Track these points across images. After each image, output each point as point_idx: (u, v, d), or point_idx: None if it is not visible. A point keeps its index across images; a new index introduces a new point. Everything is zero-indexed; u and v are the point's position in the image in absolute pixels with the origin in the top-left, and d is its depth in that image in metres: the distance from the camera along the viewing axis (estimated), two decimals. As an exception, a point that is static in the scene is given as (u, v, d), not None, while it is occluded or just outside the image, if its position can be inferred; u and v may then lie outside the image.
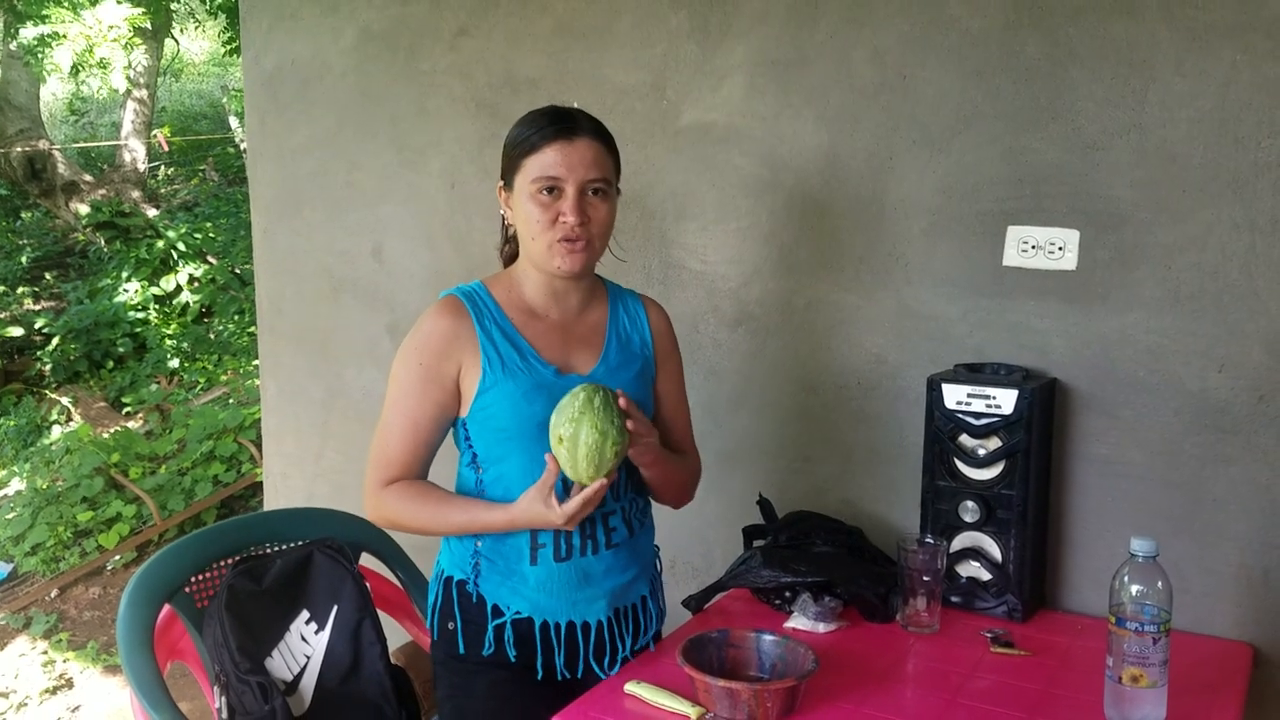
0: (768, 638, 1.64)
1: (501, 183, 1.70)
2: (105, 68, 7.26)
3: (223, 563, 1.99)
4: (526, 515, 1.60)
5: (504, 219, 1.74)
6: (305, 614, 1.98)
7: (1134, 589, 1.48)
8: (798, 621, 1.87)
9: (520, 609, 1.68)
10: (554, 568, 1.67)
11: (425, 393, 1.66)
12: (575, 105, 2.37)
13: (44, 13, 7.34)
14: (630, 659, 1.73)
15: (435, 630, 1.75)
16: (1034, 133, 1.93)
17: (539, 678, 1.71)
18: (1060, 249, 1.92)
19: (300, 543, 2.05)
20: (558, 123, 1.63)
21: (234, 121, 11.91)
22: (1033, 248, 1.94)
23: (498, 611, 1.69)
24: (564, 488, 1.59)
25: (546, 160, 1.61)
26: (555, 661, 1.70)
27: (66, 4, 7.61)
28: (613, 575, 1.72)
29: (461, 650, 1.71)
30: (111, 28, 7.09)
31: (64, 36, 7.08)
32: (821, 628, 1.85)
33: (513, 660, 1.69)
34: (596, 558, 1.69)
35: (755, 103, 2.21)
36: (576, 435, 1.52)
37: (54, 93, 13.69)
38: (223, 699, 1.86)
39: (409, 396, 1.67)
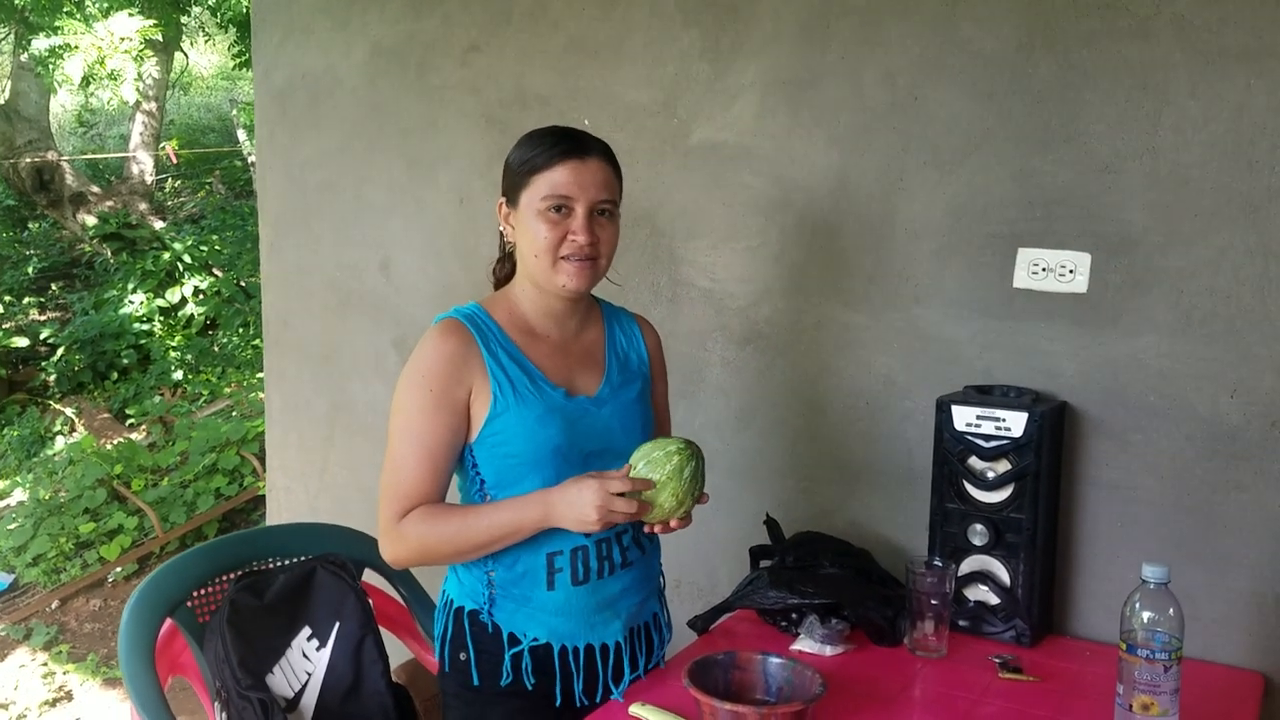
0: (774, 660, 1.62)
1: (504, 199, 1.68)
2: (116, 79, 7.28)
3: (225, 577, 1.98)
4: (561, 492, 1.55)
5: (503, 236, 1.72)
6: (307, 630, 1.97)
7: (1145, 615, 1.47)
8: (804, 644, 1.85)
9: (538, 635, 1.65)
10: (572, 591, 1.65)
11: (437, 419, 1.61)
12: (585, 123, 2.39)
13: (56, 24, 7.37)
14: (643, 677, 1.72)
15: (446, 662, 1.70)
16: (1046, 155, 1.92)
17: (556, 704, 1.67)
18: (1071, 271, 1.91)
19: (303, 558, 2.04)
20: (568, 142, 1.62)
21: (242, 135, 11.95)
22: (1043, 270, 1.93)
23: (514, 640, 1.65)
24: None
25: (557, 179, 1.60)
26: (574, 687, 1.67)
27: (79, 15, 7.64)
28: (629, 595, 1.71)
29: (476, 682, 1.66)
30: (123, 39, 7.11)
31: (75, 48, 7.10)
32: (828, 650, 1.83)
33: (530, 689, 1.65)
34: (613, 578, 1.68)
35: (766, 122, 2.21)
36: (656, 493, 1.56)
37: (63, 104, 13.75)
38: (223, 715, 1.84)
39: (420, 424, 1.61)
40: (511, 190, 1.66)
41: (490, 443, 1.63)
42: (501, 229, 1.70)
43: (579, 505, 1.54)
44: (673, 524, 1.61)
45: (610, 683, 1.69)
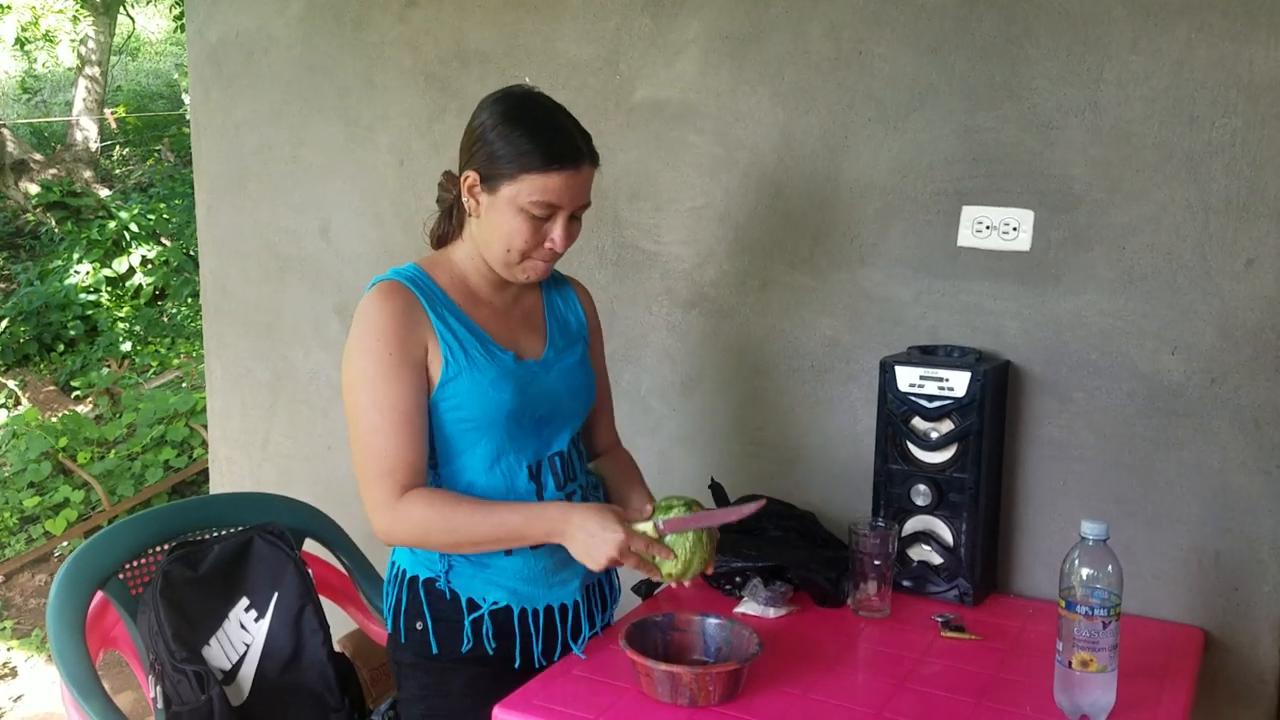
0: (712, 621, 1.61)
1: (477, 176, 1.58)
2: (52, 41, 7.08)
3: (158, 548, 1.94)
4: (582, 520, 1.54)
5: (456, 201, 1.65)
6: (245, 601, 1.93)
7: (1084, 572, 1.46)
8: (748, 607, 1.84)
9: (498, 599, 1.63)
10: (529, 555, 1.64)
11: (404, 380, 1.55)
12: (526, 80, 2.34)
13: (-11, -15, 7.16)
14: (600, 634, 1.72)
15: (402, 632, 1.67)
16: (989, 111, 1.90)
17: (516, 667, 1.65)
18: (1015, 229, 1.90)
19: (240, 528, 2.00)
20: (568, 151, 1.55)
21: (188, 100, 11.70)
22: (987, 228, 1.92)
23: (473, 605, 1.63)
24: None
25: (551, 185, 1.54)
26: (533, 648, 1.66)
27: (13, -24, 7.43)
28: None
29: (435, 650, 1.64)
30: (58, -1, 6.92)
31: (8, 8, 6.89)
32: (772, 613, 1.82)
33: (490, 653, 1.64)
34: None
35: (710, 79, 2.17)
36: (685, 562, 1.58)
37: (6, 70, 13.38)
38: (158, 688, 1.81)
39: (386, 390, 1.54)
40: (492, 175, 1.56)
41: (442, 408, 1.59)
42: (465, 200, 1.61)
43: (595, 546, 1.53)
44: (687, 583, 1.63)
45: (570, 640, 1.68)
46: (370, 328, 1.56)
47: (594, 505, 1.58)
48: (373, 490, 1.56)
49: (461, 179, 1.60)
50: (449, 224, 1.68)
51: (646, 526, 1.58)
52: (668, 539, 1.58)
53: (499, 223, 1.57)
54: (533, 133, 1.54)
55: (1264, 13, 1.70)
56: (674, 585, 1.65)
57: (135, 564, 1.91)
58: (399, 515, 1.55)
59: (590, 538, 1.52)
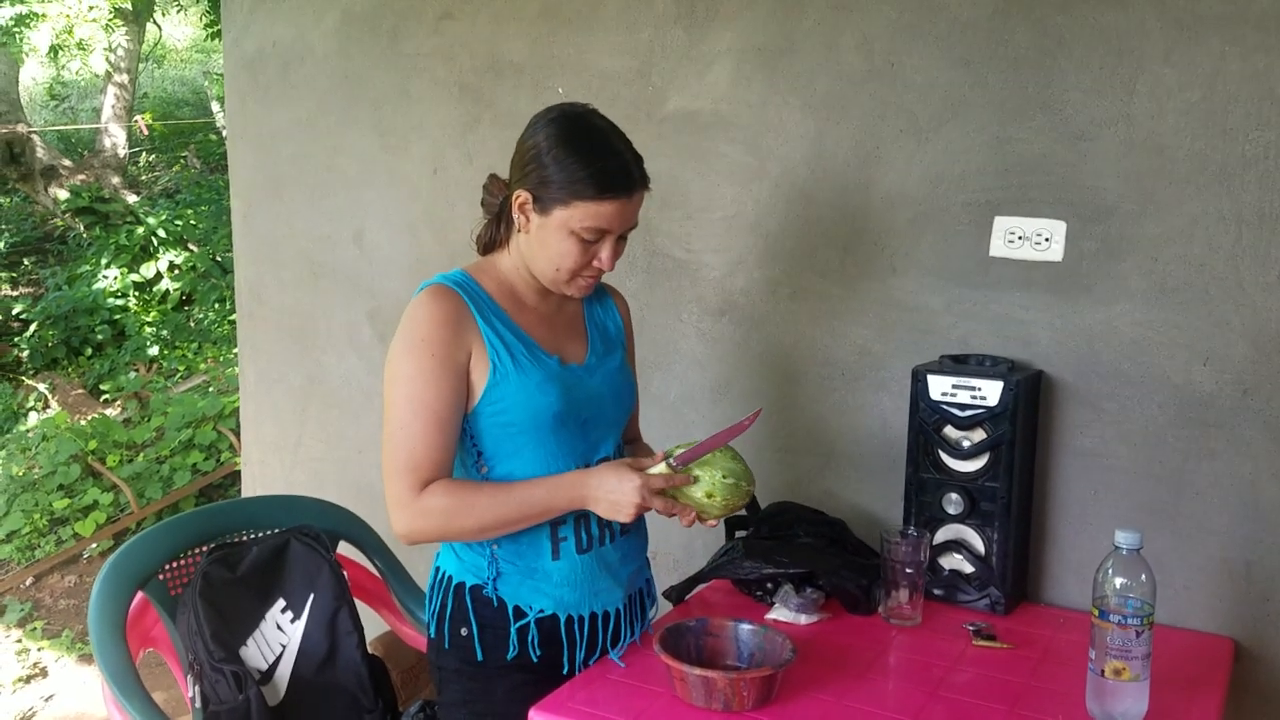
0: (746, 627, 1.63)
1: (530, 196, 1.58)
2: (85, 50, 7.18)
3: (197, 550, 1.97)
4: (600, 478, 1.56)
5: (503, 211, 1.67)
6: (281, 602, 1.96)
7: (1117, 581, 1.47)
8: (779, 613, 1.85)
9: (544, 607, 1.65)
10: (576, 560, 1.66)
11: (443, 383, 1.57)
12: (560, 91, 2.36)
13: (22, -7, 7.26)
14: (637, 643, 1.74)
15: (446, 638, 1.68)
16: (1021, 123, 1.91)
17: (563, 673, 1.67)
18: (1047, 240, 1.91)
19: (276, 530, 2.03)
20: (623, 179, 1.57)
21: (216, 107, 11.82)
22: (1019, 238, 1.93)
23: (520, 613, 1.65)
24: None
25: (604, 212, 1.56)
26: (578, 656, 1.68)
27: (46, -16, 7.53)
28: (627, 562, 1.73)
29: (480, 657, 1.65)
30: (91, 8, 7.00)
31: (43, 16, 6.99)
32: (803, 619, 1.83)
33: (536, 661, 1.65)
34: (613, 546, 1.70)
35: (742, 90, 2.19)
36: (711, 483, 1.59)
37: (34, 77, 13.54)
38: (196, 688, 1.83)
39: (425, 390, 1.56)
40: (545, 199, 1.57)
41: (488, 412, 1.61)
42: (515, 217, 1.62)
43: (618, 495, 1.55)
44: (709, 522, 1.64)
45: (609, 647, 1.71)
46: (415, 329, 1.59)
47: (607, 464, 1.60)
48: (394, 485, 1.58)
49: (513, 197, 1.61)
50: (496, 231, 1.71)
51: (660, 468, 1.59)
52: (691, 472, 1.59)
53: (549, 243, 1.60)
54: (588, 160, 1.55)
55: (1297, 26, 1.71)
56: (712, 520, 1.63)
57: (174, 565, 1.94)
58: (420, 508, 1.57)
59: (610, 492, 1.55)
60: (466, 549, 1.68)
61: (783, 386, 2.23)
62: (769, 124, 2.17)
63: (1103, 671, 1.47)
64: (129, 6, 8.34)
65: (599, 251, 1.60)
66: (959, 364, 1.93)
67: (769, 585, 1.91)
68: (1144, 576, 1.47)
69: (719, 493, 1.59)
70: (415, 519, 1.57)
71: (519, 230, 1.63)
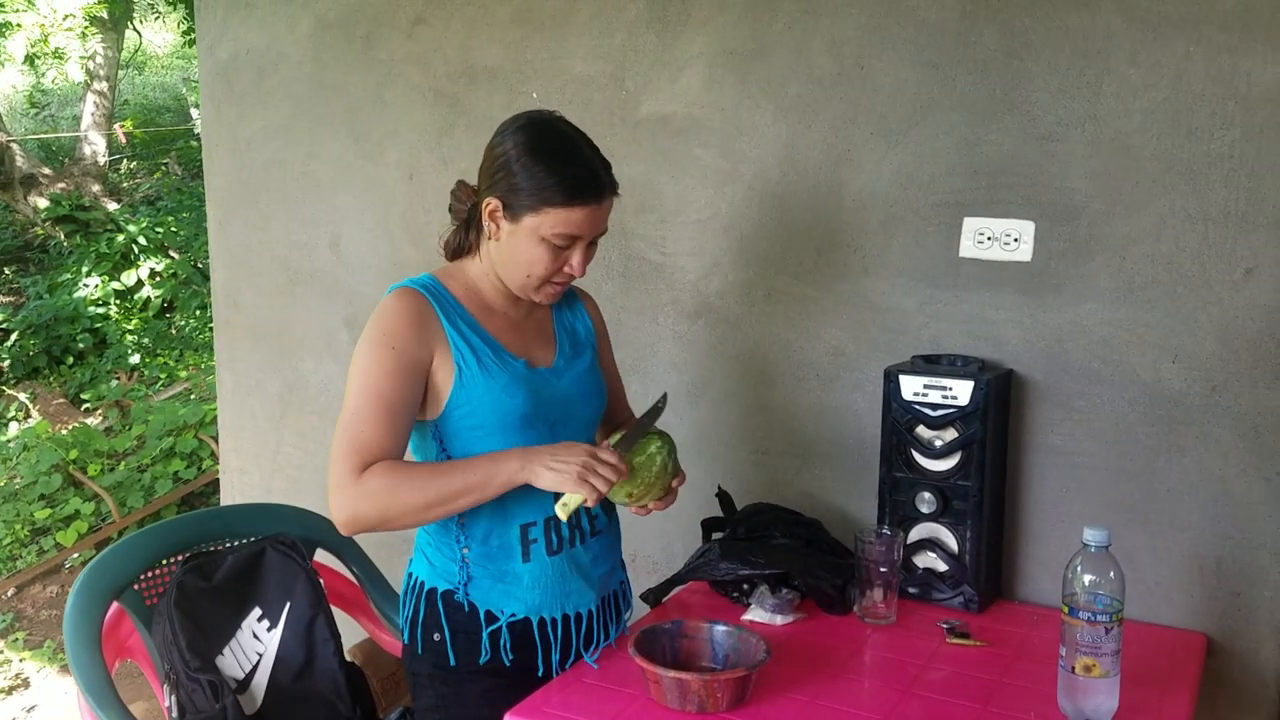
0: (720, 628, 1.63)
1: (500, 203, 1.59)
2: (61, 58, 7.14)
3: (173, 559, 1.97)
4: (549, 446, 1.56)
5: (472, 217, 1.67)
6: (257, 611, 1.96)
7: (1086, 579, 1.48)
8: (755, 614, 1.86)
9: (515, 611, 1.65)
10: (547, 562, 1.66)
11: (401, 380, 1.57)
12: (534, 96, 2.37)
13: (-2, 1, 7.22)
14: (613, 645, 1.74)
15: (419, 644, 1.68)
16: (990, 124, 1.93)
17: (538, 676, 1.68)
18: (1016, 240, 1.92)
19: (252, 539, 2.03)
20: (593, 186, 1.58)
21: (196, 114, 11.76)
22: (988, 239, 1.94)
23: (491, 617, 1.65)
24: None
25: (574, 219, 1.57)
26: (552, 659, 1.68)
27: (22, -8, 7.49)
28: (599, 563, 1.73)
29: (453, 662, 1.66)
30: (67, 17, 6.96)
31: (18, 25, 6.95)
32: (779, 620, 1.84)
33: (508, 664, 1.66)
34: (584, 547, 1.70)
35: (714, 94, 2.20)
36: (632, 476, 1.60)
37: (13, 85, 13.46)
38: (173, 697, 1.83)
39: (383, 383, 1.56)
40: (515, 205, 1.57)
41: (456, 415, 1.62)
42: (484, 224, 1.62)
43: (565, 457, 1.53)
44: (651, 505, 1.65)
45: (583, 650, 1.71)
46: (379, 325, 1.60)
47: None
48: (337, 467, 1.55)
49: (483, 205, 1.61)
50: (464, 237, 1.71)
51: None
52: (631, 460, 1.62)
53: (520, 249, 1.60)
54: (557, 166, 1.56)
55: (1260, 26, 1.73)
56: (653, 507, 1.65)
57: (150, 575, 1.94)
58: (360, 489, 1.53)
59: (553, 456, 1.54)
60: (437, 553, 1.68)
61: (758, 388, 2.24)
62: (741, 127, 2.18)
63: (1073, 668, 1.49)
64: (105, 15, 8.30)
65: (569, 258, 1.61)
66: (930, 364, 1.94)
67: (745, 586, 1.92)
68: (1113, 573, 1.48)
69: (653, 476, 1.63)
70: (355, 500, 1.54)
71: (489, 237, 1.64)
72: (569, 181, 1.56)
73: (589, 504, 1.54)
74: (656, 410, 1.71)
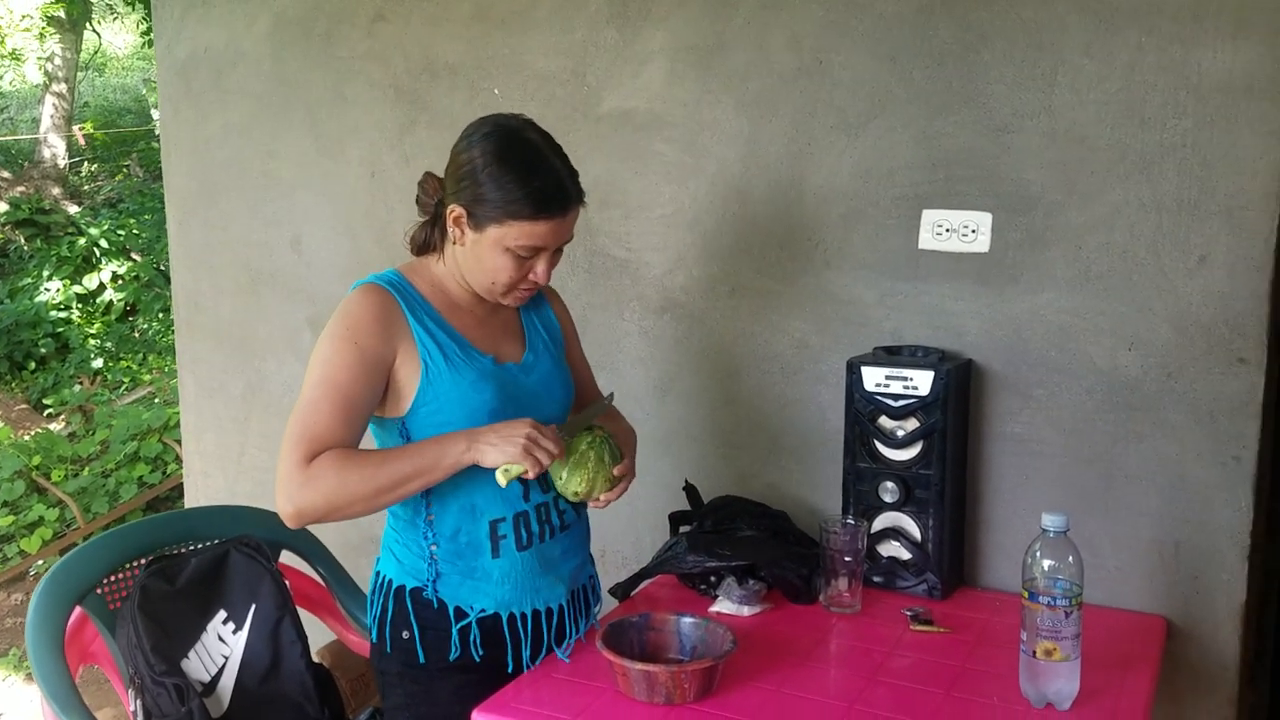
0: (687, 620, 1.64)
1: (464, 212, 1.57)
2: (19, 59, 7.03)
3: (136, 563, 1.95)
4: (492, 425, 1.56)
5: (438, 214, 1.66)
6: (222, 614, 1.95)
7: (1046, 564, 1.50)
8: (722, 605, 1.87)
9: (485, 607, 1.65)
10: (517, 557, 1.66)
11: (361, 376, 1.56)
12: (496, 93, 2.36)
13: (-47, 3, 7.10)
14: (583, 639, 1.74)
15: (387, 642, 1.68)
16: (947, 116, 1.95)
17: (508, 671, 1.67)
18: (974, 231, 1.94)
19: (216, 541, 2.01)
20: (559, 198, 1.57)
21: (157, 115, 11.63)
22: (947, 231, 1.96)
23: (461, 614, 1.64)
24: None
25: (539, 232, 1.57)
26: (523, 654, 1.68)
27: (-23, -6, 7.37)
28: (569, 558, 1.73)
29: (422, 659, 1.65)
30: (24, 17, 6.86)
31: (-27, 28, 6.85)
32: (746, 611, 1.85)
33: (478, 661, 1.65)
34: (554, 541, 1.70)
35: (676, 89, 2.20)
36: (563, 467, 1.63)
37: (-31, 87, 13.25)
38: (138, 701, 1.82)
39: (342, 376, 1.55)
40: (480, 215, 1.57)
41: (424, 413, 1.61)
42: (449, 229, 1.61)
43: (510, 430, 1.54)
44: (603, 497, 1.66)
45: (554, 645, 1.70)
46: (343, 320, 1.59)
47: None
48: (287, 456, 1.53)
49: (448, 211, 1.60)
50: (431, 233, 1.70)
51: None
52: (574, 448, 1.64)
53: (484, 258, 1.60)
54: (523, 180, 1.55)
55: (1210, 17, 1.75)
56: (603, 499, 1.67)
57: (113, 579, 1.92)
58: (308, 478, 1.52)
59: (497, 433, 1.54)
60: (406, 551, 1.67)
61: (724, 382, 2.25)
62: (703, 122, 2.18)
63: (1034, 652, 1.51)
64: (62, 15, 8.19)
65: (534, 266, 1.61)
66: (892, 355, 1.96)
67: (712, 579, 1.92)
68: (1071, 558, 1.50)
69: (573, 477, 1.64)
70: (303, 489, 1.52)
71: (453, 242, 1.63)
72: (534, 195, 1.55)
73: (529, 475, 1.55)
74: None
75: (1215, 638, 1.86)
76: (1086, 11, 1.83)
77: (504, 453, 1.53)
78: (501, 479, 1.54)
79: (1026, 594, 1.51)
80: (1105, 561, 1.90)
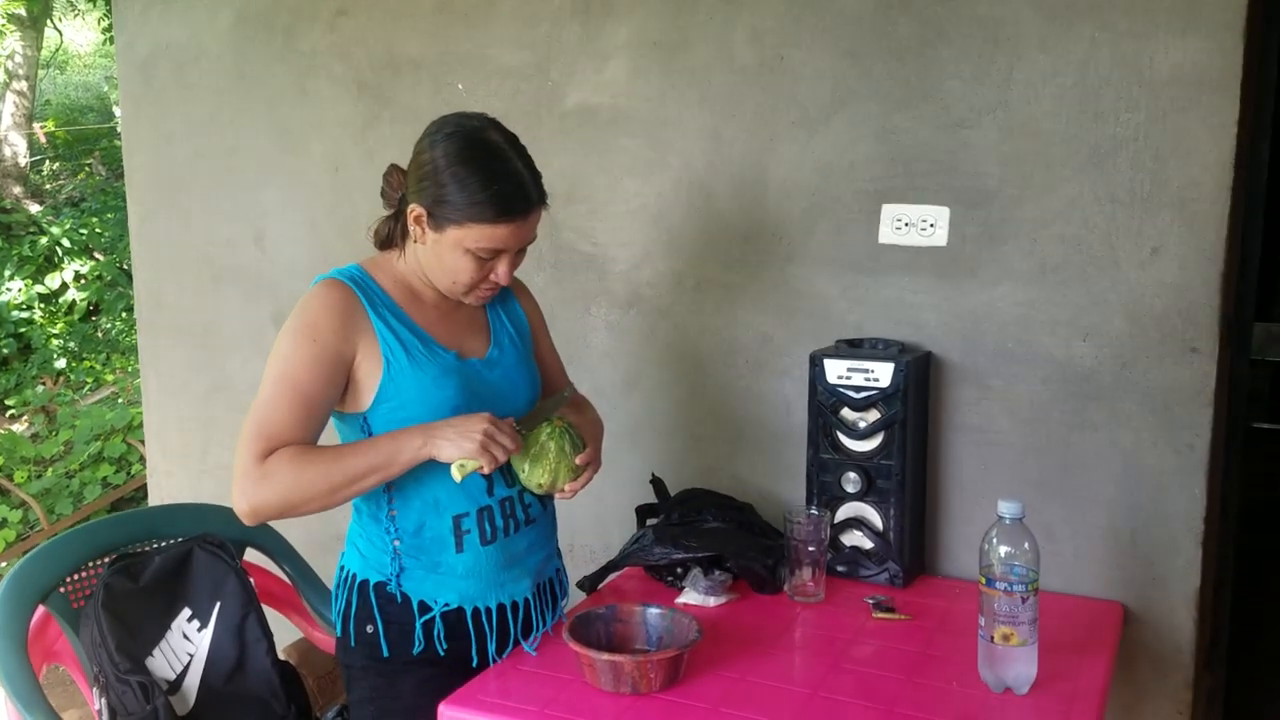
0: (653, 611, 1.65)
1: (425, 212, 1.57)
2: (-22, 56, 6.94)
3: (99, 562, 1.94)
4: (449, 419, 1.56)
5: (401, 217, 1.65)
6: (187, 611, 1.94)
7: (1002, 550, 1.53)
8: (689, 596, 1.89)
9: (449, 600, 1.65)
10: (481, 551, 1.65)
11: (320, 373, 1.55)
12: (460, 89, 2.36)
13: (-91, -1, 7.00)
14: (550, 633, 1.74)
15: (352, 636, 1.67)
16: (905, 112, 1.97)
17: (473, 666, 1.67)
18: (932, 226, 1.97)
19: (180, 539, 2.00)
20: (520, 203, 1.57)
21: (119, 113, 11.50)
22: (906, 225, 1.99)
23: (425, 607, 1.64)
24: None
25: (499, 234, 1.56)
26: (489, 648, 1.68)
27: (-66, -10, 7.26)
28: (534, 552, 1.73)
29: (386, 653, 1.65)
30: (-18, 14, 6.77)
31: (-69, 23, 6.75)
32: (712, 601, 1.87)
33: (442, 654, 1.65)
34: (520, 535, 1.70)
35: (639, 84, 2.21)
36: (525, 460, 1.63)
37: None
38: (103, 700, 1.81)
39: (300, 372, 1.54)
40: (440, 216, 1.56)
41: (385, 408, 1.60)
42: (410, 227, 1.61)
43: (467, 425, 1.53)
44: (567, 488, 1.65)
45: (520, 638, 1.71)
46: (302, 316, 1.58)
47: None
48: (242, 453, 1.52)
49: (408, 210, 1.60)
50: (394, 227, 1.69)
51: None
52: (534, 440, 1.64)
53: (445, 258, 1.60)
54: (484, 183, 1.54)
55: (1162, 12, 1.79)
56: (568, 490, 1.66)
57: (76, 578, 1.91)
58: (263, 475, 1.51)
59: (454, 428, 1.54)
60: (370, 545, 1.67)
61: (691, 376, 2.26)
62: (667, 118, 2.20)
63: (992, 638, 1.53)
64: (23, 12, 8.09)
65: (495, 266, 1.61)
66: (853, 348, 1.99)
67: (679, 570, 1.94)
68: (1027, 544, 1.53)
69: (536, 471, 1.64)
70: (258, 486, 1.51)
71: (414, 240, 1.63)
72: (495, 198, 1.54)
73: (485, 471, 1.56)
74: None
75: (1171, 623, 1.90)
76: (1042, 8, 1.86)
77: (460, 448, 1.53)
78: (456, 474, 1.54)
79: (984, 580, 1.53)
80: (1062, 548, 1.94)
